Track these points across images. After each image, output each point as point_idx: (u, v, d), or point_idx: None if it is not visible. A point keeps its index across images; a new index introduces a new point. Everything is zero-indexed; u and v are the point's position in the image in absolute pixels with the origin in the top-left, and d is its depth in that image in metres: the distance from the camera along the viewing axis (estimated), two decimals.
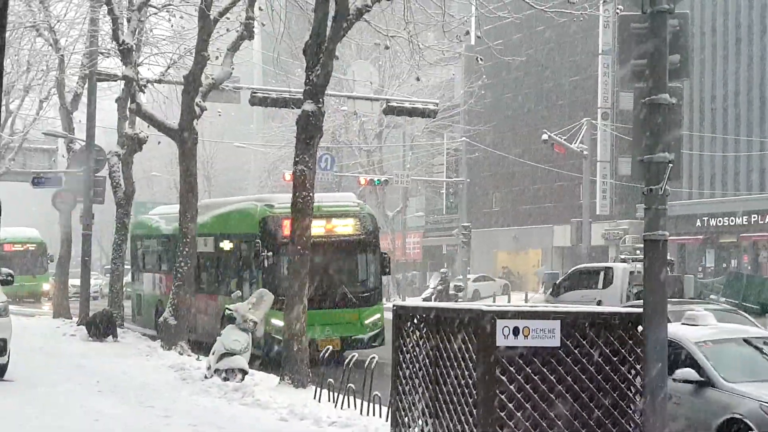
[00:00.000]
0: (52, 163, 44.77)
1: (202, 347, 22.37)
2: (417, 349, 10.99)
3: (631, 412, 10.18)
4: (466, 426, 10.05)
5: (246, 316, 17.69)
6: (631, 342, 10.23)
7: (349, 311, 22.62)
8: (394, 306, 11.72)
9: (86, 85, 31.60)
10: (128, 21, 25.69)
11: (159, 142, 33.50)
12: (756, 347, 12.57)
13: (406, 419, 11.20)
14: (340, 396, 14.77)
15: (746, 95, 54.62)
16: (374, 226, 23.55)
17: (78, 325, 28.75)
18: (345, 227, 23.00)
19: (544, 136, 48.31)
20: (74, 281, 36.83)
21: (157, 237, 29.50)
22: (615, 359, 10.15)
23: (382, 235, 30.53)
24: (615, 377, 10.14)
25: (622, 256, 32.45)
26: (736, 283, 26.98)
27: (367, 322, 22.80)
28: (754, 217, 52.91)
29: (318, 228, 20.91)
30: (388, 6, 21.94)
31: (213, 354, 17.76)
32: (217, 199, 34.30)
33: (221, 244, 24.91)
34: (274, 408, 14.66)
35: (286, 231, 19.83)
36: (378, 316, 23.05)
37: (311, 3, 18.93)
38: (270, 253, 21.48)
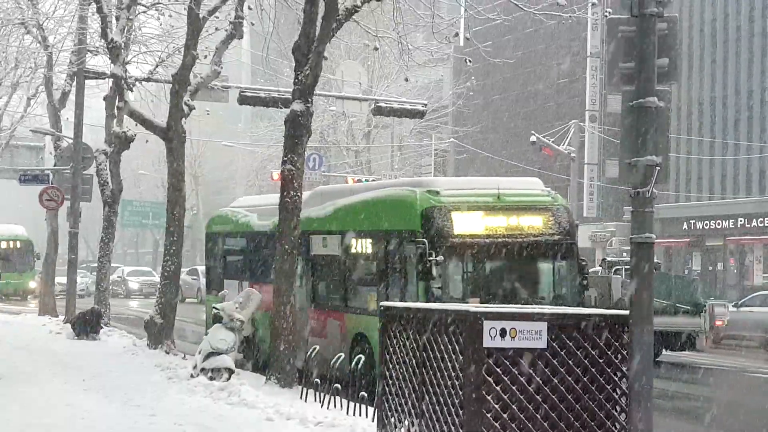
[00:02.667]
0: (39, 160, 44.66)
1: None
2: (404, 349, 11.01)
3: (616, 413, 10.21)
4: (452, 426, 10.07)
5: (233, 315, 17.69)
6: (617, 344, 10.27)
7: None
8: (380, 306, 11.73)
9: (74, 83, 31.53)
10: (117, 19, 25.63)
11: (147, 141, 33.48)
12: None
13: (392, 419, 11.21)
14: (326, 396, 14.76)
15: (734, 99, 54.79)
16: (571, 223, 17.42)
17: (64, 323, 28.68)
18: (534, 225, 16.94)
19: (532, 138, 48.38)
20: (61, 279, 36.72)
21: (246, 235, 23.03)
22: (601, 361, 10.18)
23: None
24: (601, 379, 10.18)
25: (609, 259, 32.16)
26: (665, 284, 27.39)
27: None
28: (741, 221, 53.07)
29: (496, 225, 16.44)
30: (378, 6, 21.96)
31: (199, 353, 17.74)
32: (339, 186, 28.35)
33: (352, 245, 18.61)
34: (261, 407, 14.64)
35: (460, 227, 16.19)
36: None
37: (300, 3, 18.94)
38: (439, 258, 15.64)
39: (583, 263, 17.47)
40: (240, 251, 23.58)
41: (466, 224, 16.33)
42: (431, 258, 15.59)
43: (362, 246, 18.43)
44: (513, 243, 16.41)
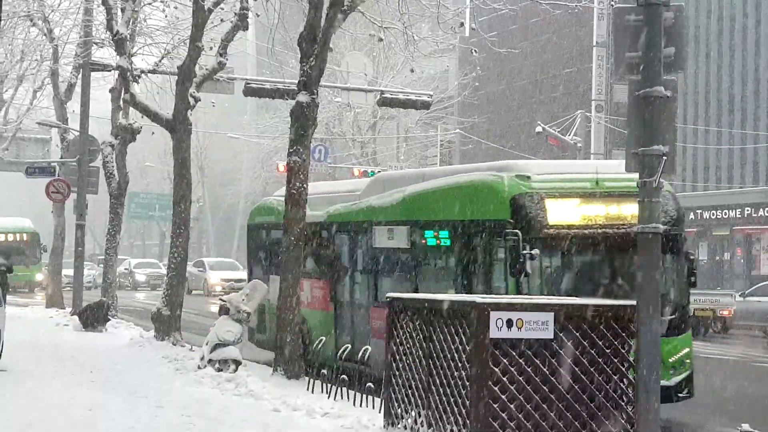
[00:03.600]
0: (45, 153, 44.73)
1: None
2: (410, 340, 11.01)
3: (624, 403, 10.20)
4: (459, 417, 10.06)
5: (239, 307, 17.69)
6: (624, 334, 10.25)
7: None
8: (387, 297, 11.72)
9: (80, 75, 31.55)
10: (122, 11, 25.63)
11: (153, 133, 33.47)
12: None
13: (398, 410, 11.21)
14: (333, 387, 14.77)
15: (740, 88, 54.65)
16: (679, 211, 15.34)
17: (71, 315, 28.73)
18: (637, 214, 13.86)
19: (538, 128, 48.32)
20: (67, 271, 36.78)
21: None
22: (608, 351, 10.17)
23: None
24: (608, 369, 10.16)
25: None
26: None
27: (671, 360, 14.79)
28: (748, 210, 52.97)
29: (596, 214, 14.56)
30: None
31: (206, 344, 17.76)
32: (406, 171, 25.04)
33: (425, 237, 16.73)
34: (267, 399, 14.66)
35: (555, 216, 14.32)
36: (686, 350, 15.15)
37: None
38: (534, 251, 13.79)
39: (692, 257, 15.55)
40: (279, 244, 21.37)
41: (562, 213, 14.46)
42: (525, 252, 13.70)
43: (437, 238, 16.45)
44: (614, 235, 14.35)
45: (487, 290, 14.77)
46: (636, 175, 14.69)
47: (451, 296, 11.96)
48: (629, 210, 14.04)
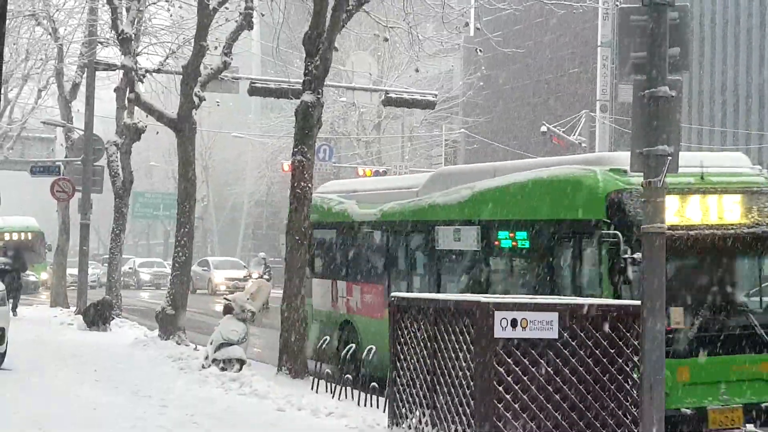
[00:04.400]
0: (50, 152, 44.81)
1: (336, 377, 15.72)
2: (415, 340, 11.01)
3: (628, 403, 10.20)
4: (463, 417, 10.07)
5: (244, 306, 17.70)
6: (628, 334, 10.25)
7: (756, 359, 12.79)
8: (392, 297, 11.73)
9: (85, 75, 31.58)
10: (127, 10, 25.66)
11: (157, 132, 33.51)
12: None
13: (403, 410, 11.22)
14: (338, 387, 14.78)
15: (745, 88, 54.60)
16: None
17: (76, 314, 28.76)
18: (748, 212, 13.26)
19: (543, 128, 48.29)
20: (72, 270, 36.80)
21: (343, 226, 19.47)
22: (612, 351, 10.17)
23: None
24: (612, 369, 10.16)
25: None
26: None
27: None
28: None
29: (702, 212, 13.02)
30: None
31: (211, 344, 17.77)
32: (475, 165, 22.36)
33: (500, 239, 15.05)
34: (272, 398, 14.67)
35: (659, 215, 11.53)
36: None
37: None
38: (636, 255, 11.69)
39: None
40: (334, 245, 19.89)
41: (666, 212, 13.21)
42: (626, 256, 11.99)
43: (513, 240, 14.76)
44: (723, 236, 12.86)
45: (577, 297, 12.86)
46: (744, 170, 14.07)
47: (455, 296, 11.96)
48: (739, 208, 13.07)
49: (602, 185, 12.98)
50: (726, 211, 13.06)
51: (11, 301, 28.33)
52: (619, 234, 12.19)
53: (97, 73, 30.57)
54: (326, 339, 17.39)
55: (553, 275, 13.78)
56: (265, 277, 20.89)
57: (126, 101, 28.04)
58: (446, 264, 16.28)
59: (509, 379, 9.79)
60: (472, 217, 15.37)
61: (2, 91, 38.82)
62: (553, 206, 13.83)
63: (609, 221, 12.63)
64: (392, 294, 12.10)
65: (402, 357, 11.24)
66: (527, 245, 14.37)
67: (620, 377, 10.20)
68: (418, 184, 17.86)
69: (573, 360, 9.99)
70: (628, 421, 10.17)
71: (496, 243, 14.99)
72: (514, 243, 14.72)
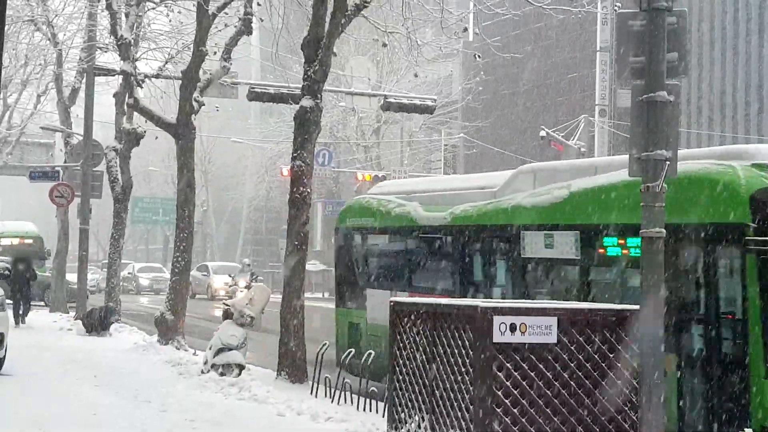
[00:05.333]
0: (49, 157, 44.79)
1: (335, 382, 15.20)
2: (414, 344, 11.01)
3: (627, 408, 10.20)
4: (462, 422, 10.07)
5: (243, 311, 17.71)
6: (627, 338, 10.26)
7: None
8: (391, 301, 11.73)
9: (84, 80, 31.62)
10: (126, 16, 25.70)
11: (156, 137, 33.50)
12: None
13: (402, 415, 11.22)
14: (337, 392, 14.78)
15: (744, 92, 54.63)
16: None
17: (75, 319, 28.76)
18: None
19: (542, 133, 48.31)
20: (71, 276, 36.76)
21: (404, 231, 17.50)
22: (611, 356, 10.17)
23: None
24: (611, 374, 10.16)
25: None
26: None
27: None
28: None
29: None
30: (387, 2, 22.02)
31: (210, 349, 17.77)
32: (567, 162, 19.59)
33: (604, 246, 13.11)
34: (271, 403, 14.68)
35: None
36: None
37: None
38: None
39: None
40: (394, 252, 18.10)
41: None
42: None
43: (623, 247, 12.75)
44: None
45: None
46: None
47: (454, 300, 11.96)
48: None
49: (745, 183, 11.17)
50: None
51: (21, 312, 27.98)
52: (761, 240, 10.65)
53: (96, 78, 30.60)
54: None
55: (680, 290, 11.80)
56: (260, 281, 20.61)
57: (125, 106, 28.07)
58: (533, 274, 14.35)
59: (508, 383, 9.79)
60: (570, 220, 13.53)
61: (1, 96, 38.92)
62: (681, 208, 11.59)
63: (754, 225, 10.90)
64: (390, 299, 12.08)
65: (401, 362, 11.24)
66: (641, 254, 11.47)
67: (619, 382, 10.20)
68: (494, 184, 16.01)
69: (572, 365, 9.99)
70: (627, 426, 10.18)
71: (601, 251, 13.10)
72: (624, 251, 12.67)
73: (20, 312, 27.94)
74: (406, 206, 17.45)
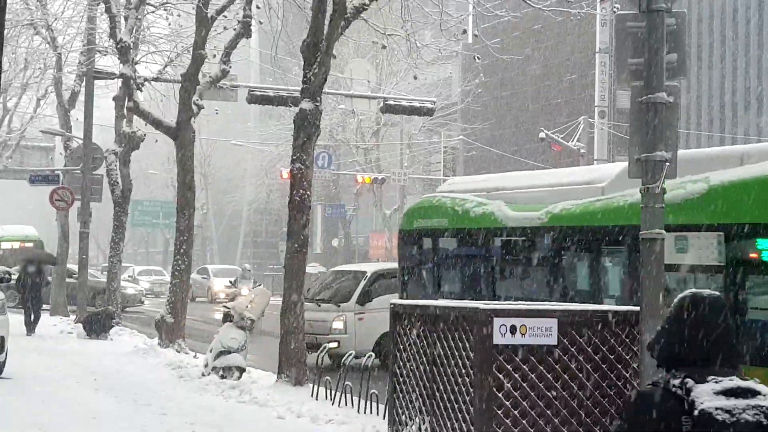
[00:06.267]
0: (49, 160, 44.82)
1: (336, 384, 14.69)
2: (414, 347, 11.01)
3: None
4: (463, 424, 10.07)
5: (243, 314, 17.70)
6: (627, 340, 10.26)
7: None
8: (391, 303, 11.73)
9: (84, 83, 31.63)
10: (126, 19, 25.70)
11: (156, 141, 33.52)
12: None
13: (403, 417, 11.22)
14: (338, 394, 14.78)
15: (743, 93, 54.66)
16: None
17: (75, 322, 28.74)
18: None
19: (542, 135, 48.34)
20: (71, 280, 36.74)
21: (489, 234, 15.45)
22: (612, 357, 10.18)
23: (379, 233, 29.31)
24: (612, 375, 10.17)
25: None
26: None
27: None
28: None
29: None
30: (386, 4, 22.00)
31: (210, 352, 17.78)
32: (694, 152, 17.34)
33: (757, 250, 11.42)
34: (272, 406, 14.67)
35: None
36: None
37: (309, 1, 18.96)
38: None
39: None
40: (474, 258, 16.03)
41: None
42: None
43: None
44: None
45: None
46: None
47: (455, 303, 11.96)
48: None
49: None
50: None
51: (32, 320, 26.44)
52: None
53: (95, 81, 30.61)
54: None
55: None
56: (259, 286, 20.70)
57: (125, 110, 28.07)
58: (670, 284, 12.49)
59: (509, 385, 9.79)
60: (710, 220, 11.82)
61: (1, 100, 38.94)
62: None
63: None
64: (391, 301, 12.08)
65: (402, 364, 11.24)
66: None
67: (620, 383, 10.21)
68: (601, 178, 14.21)
69: (572, 366, 9.99)
70: None
71: (753, 255, 11.37)
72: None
73: (31, 320, 26.41)
74: (488, 205, 15.49)
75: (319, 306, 20.28)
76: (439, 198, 17.01)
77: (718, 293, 4.09)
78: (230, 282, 22.64)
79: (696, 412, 3.74)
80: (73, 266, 37.04)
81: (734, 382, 3.83)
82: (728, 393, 3.79)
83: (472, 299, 14.60)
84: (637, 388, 10.15)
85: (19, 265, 28.56)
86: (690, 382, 3.82)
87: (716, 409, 3.73)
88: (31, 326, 26.39)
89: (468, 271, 16.12)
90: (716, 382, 3.82)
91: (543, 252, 14.38)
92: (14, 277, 26.98)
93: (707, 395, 3.78)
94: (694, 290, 4.06)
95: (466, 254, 16.09)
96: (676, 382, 3.86)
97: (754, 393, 3.83)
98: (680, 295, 4.08)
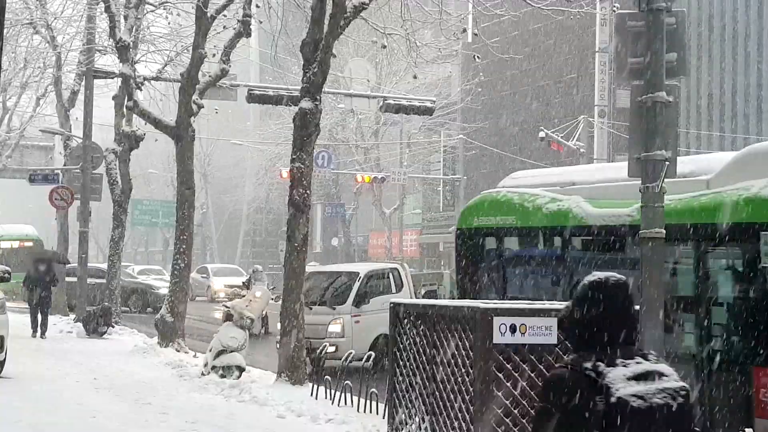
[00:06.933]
0: (49, 160, 44.83)
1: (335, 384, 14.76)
2: (414, 346, 11.01)
3: None
4: (462, 423, 10.07)
5: (243, 313, 17.71)
6: None
7: None
8: (391, 303, 11.73)
9: (83, 83, 31.63)
10: (125, 18, 25.70)
11: (156, 140, 33.54)
12: None
13: (402, 416, 11.22)
14: (337, 393, 14.78)
15: (743, 93, 54.65)
16: None
17: (75, 321, 28.74)
18: None
19: (541, 134, 48.32)
20: (71, 279, 36.74)
21: (566, 234, 13.74)
22: None
23: (378, 232, 29.22)
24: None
25: None
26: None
27: None
28: None
29: None
30: (386, 3, 22.00)
31: (210, 351, 17.78)
32: None
33: None
34: (272, 405, 14.67)
35: None
36: None
37: (308, 0, 18.95)
38: None
39: None
40: (547, 259, 14.38)
41: None
42: None
43: None
44: None
45: None
46: None
47: (454, 302, 11.95)
48: None
49: None
50: None
51: (40, 322, 25.43)
52: None
53: (95, 81, 30.61)
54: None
55: None
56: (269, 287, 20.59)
57: (124, 109, 28.08)
58: None
59: (508, 385, 9.79)
60: None
61: (0, 99, 38.92)
62: None
63: None
64: (390, 300, 12.06)
65: (401, 363, 11.24)
66: None
67: None
68: (705, 170, 12.70)
69: None
70: None
71: None
72: None
73: (38, 321, 25.54)
74: (564, 201, 13.84)
75: (311, 309, 19.65)
76: (504, 193, 15.21)
77: (622, 276, 4.28)
78: (243, 283, 22.59)
79: (613, 399, 4.00)
80: (100, 265, 36.94)
81: (642, 365, 4.11)
82: (639, 378, 4.07)
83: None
84: (553, 370, 10.12)
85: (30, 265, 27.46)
86: (601, 366, 4.07)
87: (631, 396, 4.01)
88: (39, 329, 25.49)
89: (540, 274, 14.50)
90: (625, 366, 4.09)
91: (634, 252, 12.23)
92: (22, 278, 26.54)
93: (621, 381, 4.04)
94: (599, 273, 4.27)
95: (537, 255, 14.42)
96: (588, 365, 4.10)
97: (660, 375, 4.12)
98: (586, 279, 4.28)
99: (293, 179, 17.77)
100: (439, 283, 31.85)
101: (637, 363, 4.13)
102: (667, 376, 4.17)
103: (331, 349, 18.30)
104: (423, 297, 26.94)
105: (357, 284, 20.85)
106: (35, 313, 25.61)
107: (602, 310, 4.19)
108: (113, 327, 26.39)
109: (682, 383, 4.18)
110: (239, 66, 36.47)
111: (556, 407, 4.11)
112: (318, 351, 16.75)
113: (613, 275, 4.27)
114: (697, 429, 4.26)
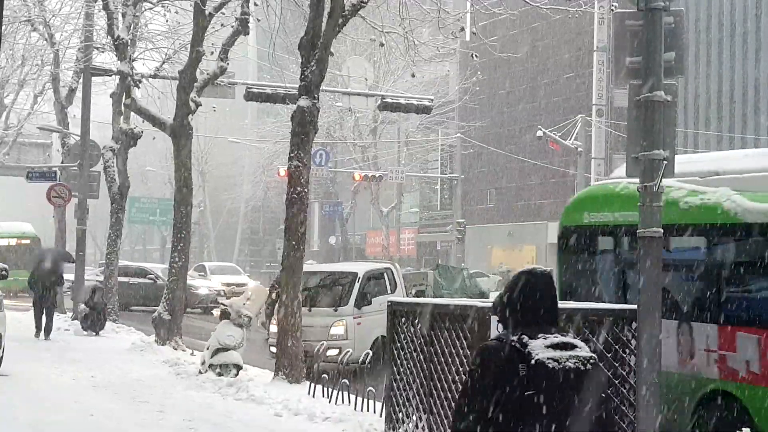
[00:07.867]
0: (46, 157, 44.83)
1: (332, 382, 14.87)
2: (412, 344, 11.02)
3: (625, 408, 10.21)
4: None
5: (240, 312, 17.70)
6: (624, 338, 10.26)
7: None
8: (389, 302, 11.73)
9: (81, 80, 31.61)
10: (123, 16, 25.69)
11: (154, 137, 33.53)
12: None
13: (400, 415, 11.22)
14: (335, 392, 14.78)
15: (740, 92, 54.67)
16: None
17: (72, 319, 28.73)
18: None
19: (539, 133, 48.34)
20: (68, 276, 36.74)
21: (714, 233, 11.46)
22: (608, 356, 10.18)
23: (376, 231, 29.21)
24: (609, 373, 10.16)
25: None
26: (447, 274, 31.02)
27: None
28: None
29: None
30: (384, 2, 22.00)
31: (207, 349, 17.77)
32: None
33: None
34: (269, 403, 14.67)
35: None
36: None
37: None
38: None
39: None
40: (684, 262, 12.30)
41: None
42: None
43: None
44: None
45: None
46: None
47: (452, 301, 11.96)
48: None
49: None
50: None
51: (45, 322, 24.37)
52: None
53: (93, 78, 30.59)
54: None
55: None
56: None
57: (122, 107, 28.07)
58: None
59: None
60: None
61: None
62: None
63: None
64: (388, 299, 12.06)
65: (399, 361, 11.24)
66: None
67: (617, 381, 10.21)
68: None
69: None
70: (624, 425, 10.18)
71: None
72: None
73: (42, 321, 24.51)
74: (708, 194, 11.54)
75: (310, 311, 19.26)
76: (623, 185, 12.70)
77: (548, 269, 5.08)
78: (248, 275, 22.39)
79: (533, 361, 4.74)
80: (145, 264, 36.67)
81: (558, 338, 4.85)
82: (555, 347, 4.81)
83: (685, 321, 11.59)
84: (486, 342, 10.16)
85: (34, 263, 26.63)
86: (525, 338, 4.82)
87: (548, 359, 4.76)
88: (43, 329, 24.53)
89: (677, 279, 12.27)
90: (545, 338, 4.83)
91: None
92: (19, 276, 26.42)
93: (540, 348, 4.79)
94: (529, 266, 5.10)
95: (672, 257, 12.04)
96: (515, 338, 4.84)
97: (572, 346, 4.86)
98: (518, 270, 5.11)
99: (291, 177, 17.76)
100: (426, 283, 32.49)
101: (555, 337, 4.85)
102: (579, 347, 4.89)
103: (334, 352, 17.98)
104: (414, 296, 27.03)
105: (357, 285, 20.53)
106: (40, 313, 24.75)
107: (527, 293, 4.93)
108: (113, 322, 26.33)
109: (591, 354, 4.91)
110: (237, 64, 36.48)
111: (487, 372, 4.79)
112: (316, 349, 16.68)
113: (542, 267, 5.04)
114: (607, 393, 5.10)
